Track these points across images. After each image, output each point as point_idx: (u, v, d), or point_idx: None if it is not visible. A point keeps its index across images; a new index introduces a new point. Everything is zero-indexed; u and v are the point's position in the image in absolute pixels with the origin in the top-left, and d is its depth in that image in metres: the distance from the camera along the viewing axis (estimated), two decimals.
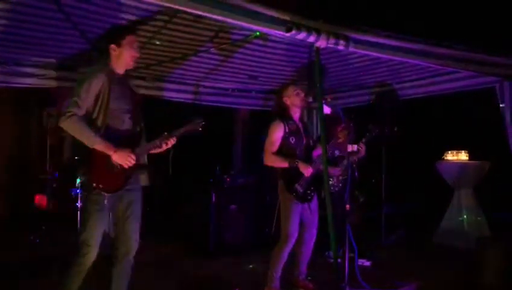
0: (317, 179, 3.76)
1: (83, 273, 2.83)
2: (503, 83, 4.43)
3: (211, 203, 5.18)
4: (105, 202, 2.80)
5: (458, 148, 6.04)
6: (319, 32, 3.06)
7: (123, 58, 2.95)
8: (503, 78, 4.35)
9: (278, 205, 3.82)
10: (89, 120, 2.81)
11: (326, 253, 4.89)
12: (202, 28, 3.98)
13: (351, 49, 3.32)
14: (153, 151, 3.06)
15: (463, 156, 5.97)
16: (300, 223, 3.77)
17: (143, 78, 5.30)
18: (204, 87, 5.79)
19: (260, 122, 6.24)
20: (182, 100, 5.64)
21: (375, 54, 3.67)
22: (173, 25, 3.89)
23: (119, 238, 2.98)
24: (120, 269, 2.99)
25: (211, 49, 4.49)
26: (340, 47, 3.24)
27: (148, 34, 4.06)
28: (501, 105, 4.48)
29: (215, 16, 2.76)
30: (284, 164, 3.70)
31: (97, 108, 2.83)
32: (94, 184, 2.78)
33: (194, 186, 5.68)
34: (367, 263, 4.82)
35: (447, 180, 6.04)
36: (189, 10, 2.70)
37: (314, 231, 3.88)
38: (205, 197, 5.26)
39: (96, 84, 2.81)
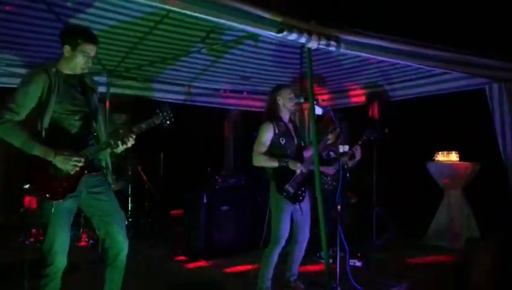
0: (309, 180, 3.76)
1: (54, 284, 2.72)
2: (492, 84, 4.47)
3: (202, 204, 5.16)
4: (53, 210, 2.65)
5: (448, 149, 6.08)
6: (310, 34, 3.07)
7: (72, 63, 2.78)
8: (491, 80, 4.40)
9: (270, 206, 3.82)
10: (30, 124, 2.64)
11: (318, 254, 4.90)
12: (194, 29, 3.98)
13: (342, 50, 3.33)
14: (116, 150, 2.85)
15: (453, 156, 6.01)
16: (292, 224, 3.77)
17: (134, 79, 5.28)
18: (196, 87, 5.78)
19: (251, 123, 6.25)
20: (173, 101, 5.63)
21: (366, 55, 3.68)
22: (164, 25, 3.88)
23: (106, 242, 2.91)
24: (112, 271, 2.95)
25: (203, 50, 4.48)
26: (331, 48, 3.25)
27: (140, 35, 4.05)
28: (490, 106, 4.52)
29: (206, 16, 2.75)
30: (274, 164, 3.69)
31: (36, 112, 2.67)
32: (41, 192, 2.64)
33: (185, 187, 5.66)
34: (358, 264, 4.84)
35: (437, 181, 6.08)
36: (180, 10, 2.69)
37: (307, 232, 3.88)
38: (196, 198, 5.24)
39: (36, 87, 2.65)
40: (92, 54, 2.80)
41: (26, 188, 2.66)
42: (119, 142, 2.80)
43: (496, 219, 5.26)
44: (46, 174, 2.66)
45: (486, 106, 4.55)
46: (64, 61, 2.79)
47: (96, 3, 3.44)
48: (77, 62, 2.77)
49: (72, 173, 2.70)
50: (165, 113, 2.89)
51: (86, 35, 2.79)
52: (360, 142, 3.95)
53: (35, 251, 4.97)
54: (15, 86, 4.51)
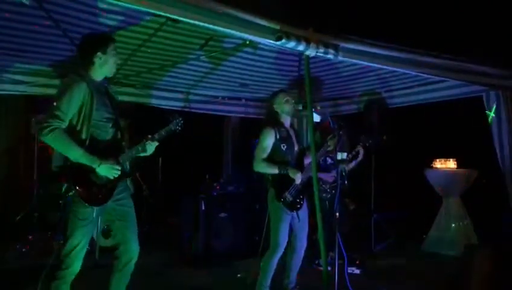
0: (308, 187, 3.76)
1: (66, 286, 2.77)
2: (489, 92, 4.49)
3: (200, 211, 5.15)
4: (94, 215, 2.76)
5: (446, 156, 6.09)
6: (308, 41, 3.08)
7: (108, 65, 2.89)
8: (488, 88, 4.42)
9: (268, 214, 3.81)
10: (72, 133, 2.72)
11: (316, 261, 4.89)
12: (192, 36, 3.99)
13: (340, 58, 3.35)
14: (138, 155, 3.02)
15: (451, 164, 6.02)
16: (290, 231, 3.76)
17: (133, 86, 5.28)
18: (195, 94, 5.79)
19: (250, 130, 6.25)
20: (172, 108, 5.63)
21: (364, 63, 3.70)
22: (163, 33, 3.89)
23: (119, 248, 2.96)
24: (119, 277, 2.99)
25: (201, 57, 4.50)
26: (330, 56, 3.26)
27: (138, 42, 4.06)
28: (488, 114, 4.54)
29: (204, 24, 2.77)
30: (274, 170, 3.70)
31: (80, 120, 2.75)
32: (81, 197, 2.71)
33: (183, 194, 5.65)
34: (357, 271, 4.83)
35: (436, 188, 6.08)
36: (179, 18, 2.70)
37: (305, 240, 3.87)
38: (195, 204, 5.23)
39: (78, 95, 2.72)
40: (115, 50, 2.93)
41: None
42: (146, 148, 2.97)
43: (494, 226, 5.27)
44: (88, 180, 2.75)
45: (483, 113, 4.56)
46: (98, 68, 2.88)
47: (95, 11, 3.45)
48: (111, 64, 2.90)
49: (112, 179, 2.82)
50: (177, 120, 3.08)
51: (109, 37, 2.99)
52: (361, 145, 3.96)
53: (32, 258, 5.01)
54: (14, 92, 4.60)
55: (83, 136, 2.75)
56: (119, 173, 2.83)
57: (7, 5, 3.30)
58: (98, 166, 2.74)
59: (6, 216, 6.59)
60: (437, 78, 4.49)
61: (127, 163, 2.98)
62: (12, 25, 3.59)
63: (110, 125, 2.90)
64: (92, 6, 3.37)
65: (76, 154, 2.68)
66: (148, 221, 6.45)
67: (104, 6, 3.35)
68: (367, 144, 3.98)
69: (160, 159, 7.39)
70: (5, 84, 4.55)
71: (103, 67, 2.89)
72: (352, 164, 4.79)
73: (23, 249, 5.30)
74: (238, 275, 4.64)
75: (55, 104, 2.69)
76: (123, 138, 3.00)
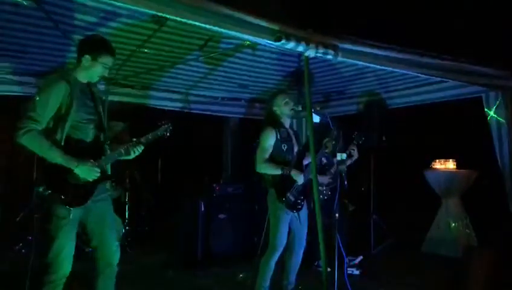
0: (308, 188, 3.76)
1: (59, 289, 2.74)
2: (489, 92, 4.49)
3: (199, 212, 5.15)
4: (71, 216, 2.71)
5: (446, 157, 6.09)
6: (308, 42, 3.07)
7: (90, 73, 2.87)
8: (488, 88, 4.42)
9: (268, 214, 3.80)
10: (46, 133, 2.69)
11: (316, 262, 4.88)
12: (192, 37, 3.99)
13: (340, 58, 3.34)
14: (120, 159, 2.98)
15: (450, 164, 6.02)
16: (289, 232, 3.76)
17: (132, 87, 5.28)
18: (194, 95, 5.79)
19: (250, 131, 6.25)
20: (171, 108, 5.62)
21: (363, 63, 3.70)
22: (162, 33, 3.89)
23: (98, 250, 2.92)
24: (103, 279, 2.94)
25: (200, 58, 4.49)
26: (329, 56, 3.25)
27: (137, 42, 4.05)
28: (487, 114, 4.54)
29: (204, 25, 2.76)
30: (277, 171, 3.69)
31: (56, 120, 2.71)
32: (60, 197, 2.68)
33: (182, 195, 5.65)
34: (356, 272, 4.82)
35: (435, 189, 6.08)
36: (178, 19, 2.70)
37: (304, 241, 3.87)
38: (194, 206, 5.22)
39: (56, 96, 2.69)
40: (110, 65, 2.91)
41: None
42: (130, 151, 2.93)
43: (494, 226, 5.26)
44: (64, 181, 2.71)
45: (483, 114, 4.56)
46: (82, 70, 2.87)
47: (94, 11, 3.45)
48: (96, 72, 2.87)
49: (91, 181, 2.78)
50: (166, 126, 3.08)
51: (107, 48, 2.90)
52: (354, 143, 3.95)
53: (30, 259, 5.00)
54: (14, 94, 4.60)
55: (58, 136, 2.72)
56: (98, 174, 2.79)
57: (7, 5, 3.29)
58: (76, 167, 2.70)
59: (6, 216, 6.59)
60: (436, 79, 4.49)
61: (109, 165, 2.94)
62: (12, 25, 3.59)
63: (92, 126, 2.86)
64: (91, 6, 3.36)
65: (53, 156, 2.65)
66: (147, 222, 6.44)
67: (104, 6, 3.34)
68: (360, 142, 3.97)
69: (159, 160, 7.39)
70: (5, 85, 4.55)
71: (87, 71, 2.86)
72: (348, 163, 4.78)
73: (23, 250, 5.29)
74: (240, 275, 4.62)
75: (31, 104, 2.66)
76: (106, 141, 2.97)
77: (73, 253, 2.76)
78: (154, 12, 2.62)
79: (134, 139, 2.98)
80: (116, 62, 4.65)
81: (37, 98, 2.68)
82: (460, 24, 6.37)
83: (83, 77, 2.88)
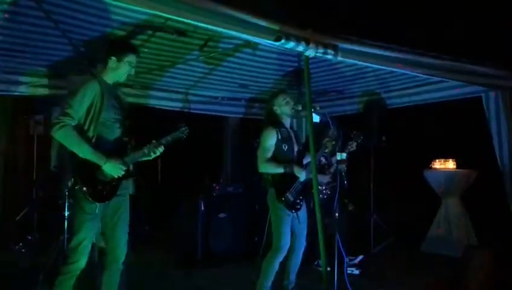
0: (307, 188, 3.76)
1: (71, 281, 2.83)
2: (488, 92, 4.49)
3: (199, 212, 5.15)
4: (97, 210, 2.84)
5: (446, 156, 6.09)
6: (307, 42, 3.07)
7: (118, 73, 3.02)
8: (488, 88, 4.42)
9: (270, 214, 3.80)
10: (80, 130, 2.83)
11: (316, 262, 4.88)
12: (192, 37, 3.99)
13: (340, 58, 3.35)
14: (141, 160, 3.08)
15: (450, 164, 6.03)
16: (290, 232, 3.76)
17: (131, 86, 5.27)
18: (194, 95, 5.78)
19: (250, 131, 6.25)
20: (171, 108, 5.62)
21: (363, 63, 3.70)
22: (162, 33, 3.89)
23: (107, 245, 3.02)
24: (109, 275, 3.02)
25: (200, 58, 4.49)
26: (329, 56, 3.26)
27: (137, 42, 4.06)
28: (487, 114, 4.54)
29: (203, 25, 2.76)
30: (279, 170, 3.69)
31: (89, 118, 2.86)
32: (86, 193, 2.79)
33: (182, 195, 5.65)
34: (356, 272, 4.83)
35: (435, 189, 6.09)
36: (178, 18, 2.70)
37: (304, 240, 3.87)
38: (194, 205, 5.23)
39: (90, 95, 2.85)
40: (135, 63, 3.09)
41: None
42: (151, 152, 3.05)
43: (494, 226, 5.27)
44: (93, 177, 2.83)
45: (483, 113, 4.56)
46: (109, 72, 3.02)
47: (94, 11, 3.45)
48: (123, 72, 3.03)
49: (116, 178, 2.90)
50: (183, 128, 3.19)
51: (130, 47, 3.14)
52: (353, 142, 3.96)
53: (31, 259, 5.01)
54: (15, 93, 4.60)
55: (90, 134, 2.86)
56: (123, 172, 2.92)
57: (7, 5, 3.29)
58: (104, 163, 2.82)
59: (6, 216, 6.60)
60: (436, 79, 4.50)
61: (131, 165, 3.05)
62: (11, 25, 3.59)
63: (118, 126, 3.00)
64: (91, 6, 3.37)
65: (85, 152, 2.78)
66: (148, 221, 6.45)
67: (104, 6, 3.34)
68: (358, 141, 3.98)
69: (159, 159, 7.38)
70: (4, 84, 4.54)
71: (114, 73, 3.02)
72: (347, 151, 4.78)
73: (23, 250, 5.30)
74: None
75: (67, 101, 2.81)
76: (129, 141, 3.09)
77: (90, 248, 2.88)
78: (154, 12, 2.62)
79: (155, 141, 3.07)
80: None
81: (74, 96, 2.82)
82: (460, 24, 6.37)
83: (110, 78, 3.04)
